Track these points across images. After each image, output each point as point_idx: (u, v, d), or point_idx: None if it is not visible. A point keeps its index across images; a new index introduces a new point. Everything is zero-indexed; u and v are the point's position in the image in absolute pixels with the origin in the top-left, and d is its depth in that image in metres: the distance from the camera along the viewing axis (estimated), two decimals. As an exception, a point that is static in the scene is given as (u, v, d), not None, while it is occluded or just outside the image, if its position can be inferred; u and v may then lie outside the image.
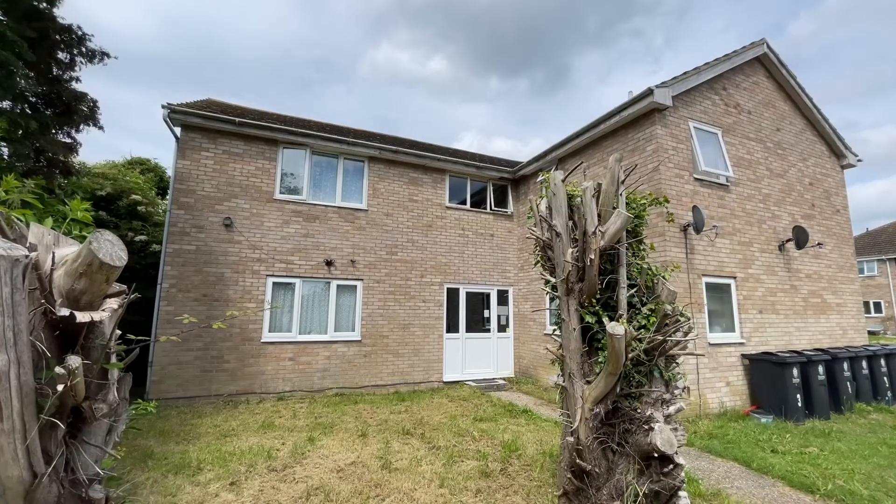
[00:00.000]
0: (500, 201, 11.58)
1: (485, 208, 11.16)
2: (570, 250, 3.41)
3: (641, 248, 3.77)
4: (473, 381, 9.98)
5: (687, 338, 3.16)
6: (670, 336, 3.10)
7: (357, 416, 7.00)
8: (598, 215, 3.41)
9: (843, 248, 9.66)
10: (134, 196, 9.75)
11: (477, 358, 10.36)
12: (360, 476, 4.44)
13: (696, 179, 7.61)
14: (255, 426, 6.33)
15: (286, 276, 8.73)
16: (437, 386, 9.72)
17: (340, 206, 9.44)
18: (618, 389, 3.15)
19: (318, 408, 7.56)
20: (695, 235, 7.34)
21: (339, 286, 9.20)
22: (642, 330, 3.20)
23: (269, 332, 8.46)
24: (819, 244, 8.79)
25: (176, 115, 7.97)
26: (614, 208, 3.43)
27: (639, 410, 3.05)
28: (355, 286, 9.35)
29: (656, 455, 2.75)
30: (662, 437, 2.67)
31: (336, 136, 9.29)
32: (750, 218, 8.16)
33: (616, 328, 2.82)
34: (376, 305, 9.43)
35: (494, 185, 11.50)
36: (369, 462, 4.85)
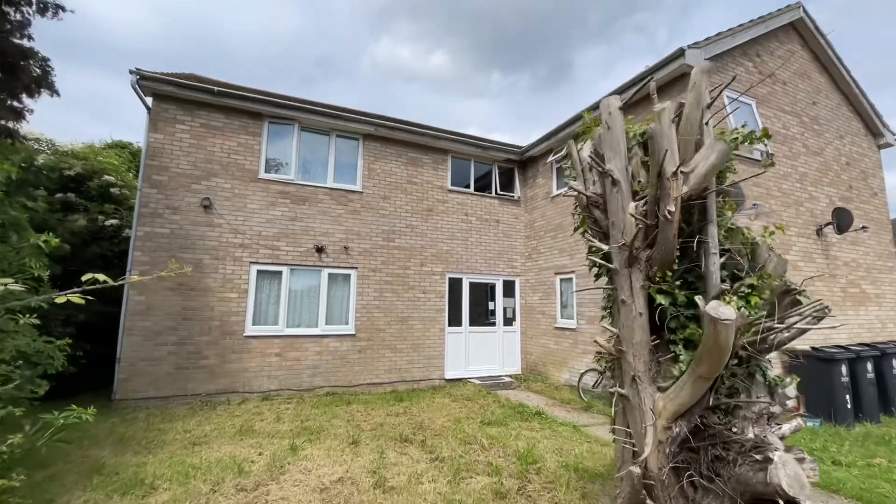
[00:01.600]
0: (506, 185, 10.75)
1: (490, 192, 10.33)
2: (633, 204, 2.58)
3: (727, 202, 2.94)
4: (478, 378, 9.19)
5: (819, 324, 2.28)
6: (787, 320, 2.20)
7: (349, 419, 6.21)
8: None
9: (882, 234, 8.86)
10: (107, 177, 8.89)
11: (481, 353, 9.57)
12: (348, 499, 3.64)
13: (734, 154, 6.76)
14: (232, 431, 5.53)
15: (272, 264, 7.91)
16: (438, 384, 8.94)
17: (332, 187, 8.59)
18: (709, 400, 2.26)
19: (306, 409, 6.77)
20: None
21: (330, 275, 8.38)
22: (751, 313, 2.29)
23: (254, 324, 7.65)
24: (864, 227, 7.99)
25: (146, 81, 7.10)
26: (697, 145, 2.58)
27: (735, 429, 2.21)
28: (349, 275, 8.53)
29: (779, 501, 1.87)
30: (788, 473, 1.83)
31: (328, 110, 8.43)
32: (787, 199, 7.35)
33: (723, 310, 1.95)
34: (372, 296, 8.62)
35: (500, 167, 10.65)
36: (360, 478, 4.05)
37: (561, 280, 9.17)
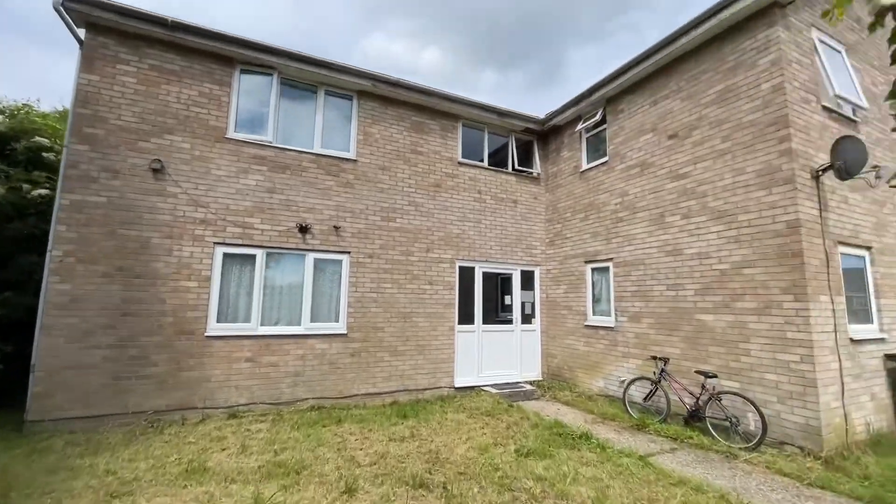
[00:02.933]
0: (524, 161, 9.27)
1: (506, 168, 8.83)
2: None
3: None
4: (493, 386, 7.73)
5: None
6: None
7: (340, 447, 4.68)
8: None
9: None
10: (39, 138, 7.15)
11: (496, 356, 8.11)
12: None
13: (825, 109, 5.39)
14: (176, 471, 3.96)
15: (243, 245, 6.31)
16: (447, 393, 7.45)
17: (320, 153, 7.01)
18: None
19: (283, 431, 5.22)
20: (833, 185, 5.16)
21: (317, 261, 6.81)
22: None
23: (219, 322, 6.05)
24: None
25: (75, 4, 5.42)
26: None
27: None
28: (339, 261, 6.97)
29: None
30: None
31: (315, 59, 6.82)
32: (881, 169, 6.00)
33: None
34: (368, 287, 7.07)
35: (518, 139, 9.16)
36: (359, 567, 2.54)
37: (593, 270, 7.74)
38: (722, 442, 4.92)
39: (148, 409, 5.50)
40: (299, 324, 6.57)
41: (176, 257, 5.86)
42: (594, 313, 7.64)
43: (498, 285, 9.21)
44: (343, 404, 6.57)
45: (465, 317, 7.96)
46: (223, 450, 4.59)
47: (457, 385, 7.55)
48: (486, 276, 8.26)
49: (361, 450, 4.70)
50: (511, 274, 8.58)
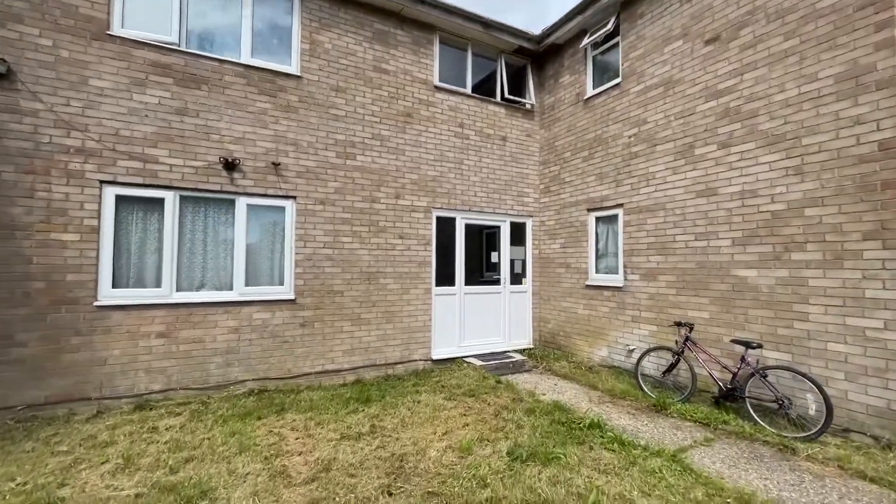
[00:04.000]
0: (517, 90, 7.67)
1: (494, 98, 7.24)
2: None
3: None
4: (477, 357, 6.58)
5: None
6: None
7: (271, 455, 3.43)
8: None
9: None
10: None
11: (481, 323, 6.91)
12: None
13: (928, -9, 3.98)
14: (3, 510, 2.63)
15: (145, 186, 4.72)
16: (422, 367, 6.26)
17: (250, 65, 5.29)
18: None
19: (200, 429, 3.93)
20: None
21: (252, 208, 5.29)
22: None
23: (115, 287, 4.57)
24: None
25: None
26: None
27: None
28: (282, 209, 5.46)
29: None
30: None
31: (234, -71, 4.95)
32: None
33: None
34: (321, 242, 5.63)
35: (509, 63, 7.51)
36: None
37: (598, 219, 6.44)
38: (767, 429, 3.87)
39: (17, 403, 4.10)
40: (231, 288, 5.14)
41: (42, 200, 4.25)
42: (597, 271, 6.42)
43: (483, 240, 7.91)
44: (292, 385, 5.30)
45: (445, 277, 6.66)
46: (102, 463, 3.27)
47: (435, 357, 6.36)
48: (469, 228, 6.89)
49: (300, 455, 3.46)
50: (499, 226, 7.22)
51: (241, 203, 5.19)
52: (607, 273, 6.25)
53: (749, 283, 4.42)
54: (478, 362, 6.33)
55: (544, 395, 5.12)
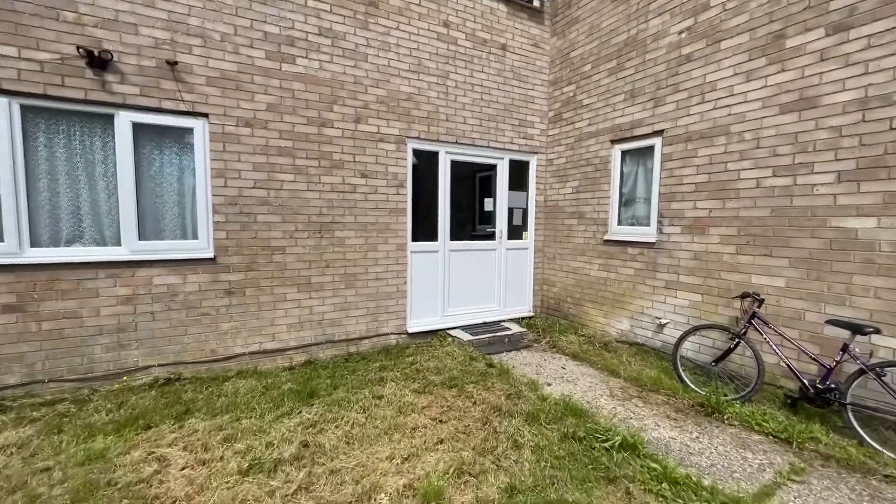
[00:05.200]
0: (519, -17, 5.80)
1: (490, -10, 5.41)
2: None
3: None
4: (465, 328, 5.30)
5: None
6: None
7: (127, 501, 2.15)
8: None
9: None
10: None
11: (471, 286, 5.56)
12: None
13: None
14: None
15: (-45, 87, 3.10)
16: (396, 342, 4.98)
17: None
18: None
19: (47, 448, 2.66)
20: None
21: (140, 128, 3.70)
22: None
23: (-74, 240, 3.09)
24: None
25: None
26: None
27: None
28: (188, 131, 3.87)
29: None
30: None
31: None
32: None
33: None
34: (249, 180, 4.10)
35: (510, -59, 5.59)
36: None
37: (624, 154, 4.90)
38: (886, 454, 2.61)
39: None
40: (118, 243, 3.67)
41: None
42: (620, 222, 4.98)
43: (476, 184, 6.37)
44: (217, 371, 4.01)
45: (424, 230, 5.22)
46: None
47: (411, 330, 5.06)
48: (456, 167, 5.34)
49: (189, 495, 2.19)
50: (495, 165, 5.67)
51: (124, 120, 3.59)
52: (633, 225, 4.81)
53: (860, 237, 3.00)
54: (465, 336, 5.04)
55: (550, 385, 3.86)
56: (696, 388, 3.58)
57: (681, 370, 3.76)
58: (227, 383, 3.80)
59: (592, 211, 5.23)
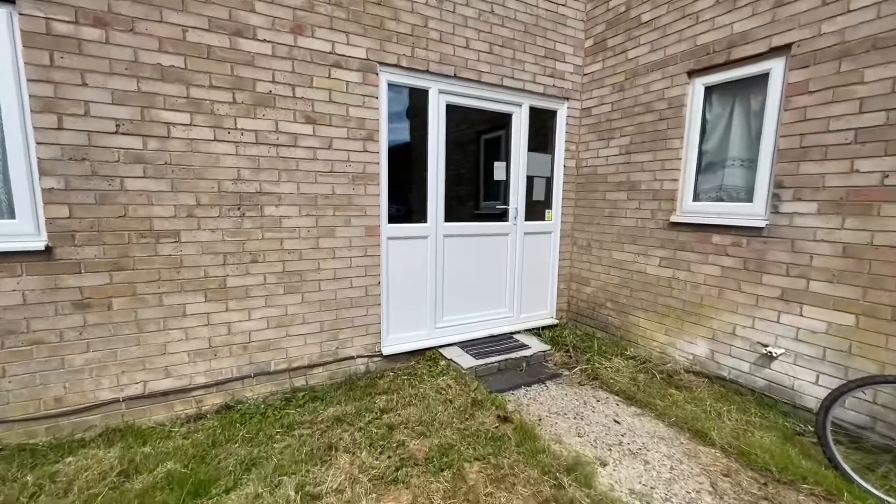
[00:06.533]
0: None
1: None
2: None
3: None
4: (465, 345, 3.76)
5: None
6: None
7: None
8: None
9: None
10: None
11: (473, 286, 3.98)
12: None
13: None
14: None
15: None
16: (363, 369, 3.44)
17: None
18: None
19: None
20: None
21: None
22: None
23: None
24: None
25: None
26: None
27: None
28: (-19, 27, 2.21)
29: None
30: None
31: None
32: None
33: None
34: (109, 119, 2.45)
35: None
36: None
37: (710, 91, 3.23)
38: None
39: None
40: None
41: None
42: (698, 196, 3.36)
43: (481, 147, 4.68)
44: (63, 431, 2.48)
45: (408, 207, 3.62)
46: None
47: (388, 351, 3.51)
48: (454, 114, 3.67)
49: None
50: (509, 114, 3.99)
51: None
52: (720, 200, 3.19)
53: None
54: (466, 359, 3.50)
55: (605, 466, 2.34)
56: (870, 487, 2.05)
57: (834, 449, 2.21)
58: (71, 457, 2.29)
59: (652, 180, 3.60)
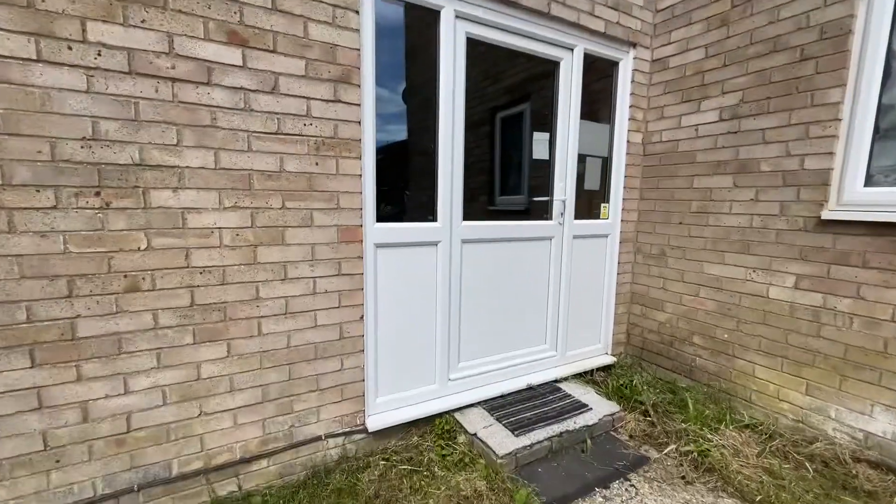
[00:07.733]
0: None
1: None
2: None
3: None
4: (491, 406, 2.47)
5: None
6: None
7: None
8: None
9: None
10: None
11: (498, 315, 2.70)
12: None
13: None
14: None
15: None
16: (336, 455, 2.14)
17: None
18: None
19: None
20: None
21: None
22: None
23: None
24: None
25: None
26: None
27: None
28: None
29: None
30: None
31: None
32: None
33: None
34: None
35: None
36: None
37: (909, 4, 1.99)
38: None
39: None
40: None
41: None
42: (872, 179, 2.11)
43: (495, 125, 3.31)
44: None
45: (407, 197, 2.33)
46: None
47: (375, 425, 2.21)
48: (477, 58, 2.39)
49: None
50: (556, 62, 2.71)
51: None
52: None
53: None
54: (498, 433, 2.23)
55: None
56: None
57: None
58: None
59: (783, 156, 2.35)
